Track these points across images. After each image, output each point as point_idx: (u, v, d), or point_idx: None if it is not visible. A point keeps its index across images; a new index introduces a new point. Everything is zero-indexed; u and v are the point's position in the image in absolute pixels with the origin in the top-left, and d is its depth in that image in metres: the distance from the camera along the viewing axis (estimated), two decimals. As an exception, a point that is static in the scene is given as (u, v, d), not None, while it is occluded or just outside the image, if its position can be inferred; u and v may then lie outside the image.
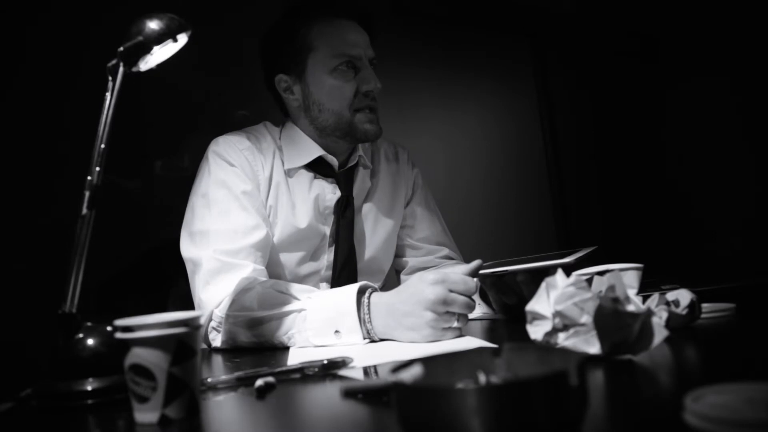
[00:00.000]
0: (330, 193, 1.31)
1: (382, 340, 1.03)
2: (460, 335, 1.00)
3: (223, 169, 1.23)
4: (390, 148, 1.50)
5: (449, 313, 0.98)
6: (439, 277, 0.99)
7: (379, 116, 1.31)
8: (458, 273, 1.01)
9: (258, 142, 1.29)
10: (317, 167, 1.31)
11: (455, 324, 0.98)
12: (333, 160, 1.32)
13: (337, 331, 1.02)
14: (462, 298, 0.98)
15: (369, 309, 1.03)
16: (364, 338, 1.02)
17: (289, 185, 1.29)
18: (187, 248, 1.20)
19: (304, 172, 1.31)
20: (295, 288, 1.11)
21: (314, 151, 1.30)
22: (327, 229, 1.31)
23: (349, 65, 1.26)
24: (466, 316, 1.00)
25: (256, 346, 1.10)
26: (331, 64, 1.26)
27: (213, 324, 1.13)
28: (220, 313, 1.11)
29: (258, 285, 1.12)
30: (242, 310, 1.09)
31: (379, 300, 1.03)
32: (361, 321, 1.02)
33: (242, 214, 1.20)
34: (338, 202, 1.31)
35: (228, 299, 1.11)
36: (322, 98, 1.27)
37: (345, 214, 1.31)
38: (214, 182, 1.22)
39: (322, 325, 1.03)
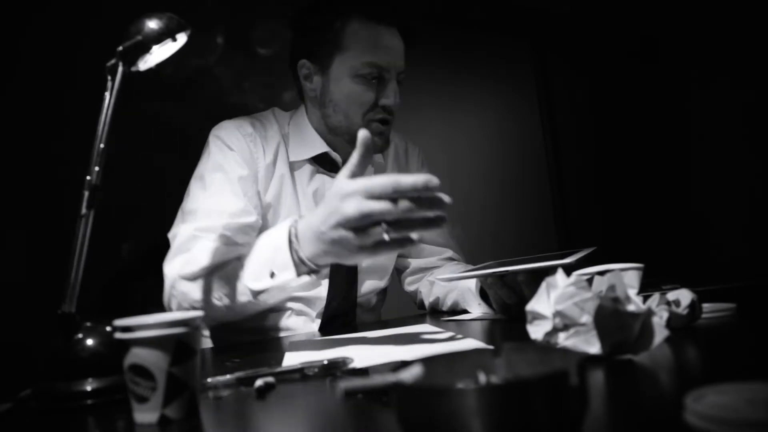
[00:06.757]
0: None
1: (323, 266, 0.94)
2: (413, 244, 0.84)
3: (222, 153, 1.22)
4: (401, 144, 1.49)
5: (376, 224, 0.81)
6: (353, 187, 0.82)
7: (391, 129, 1.28)
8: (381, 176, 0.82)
9: (263, 129, 1.28)
10: (321, 162, 1.30)
11: (385, 236, 0.80)
12: (337, 157, 1.31)
13: (272, 273, 0.95)
14: (384, 204, 0.80)
15: (298, 238, 0.93)
16: (299, 275, 0.93)
17: (294, 178, 1.28)
18: (174, 227, 1.18)
19: (307, 165, 1.30)
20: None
21: (319, 146, 1.29)
22: None
23: (374, 74, 1.22)
24: (407, 222, 0.82)
25: (218, 309, 1.07)
26: (356, 69, 1.21)
27: (172, 291, 1.11)
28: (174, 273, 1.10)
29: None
30: (193, 266, 1.08)
31: (305, 225, 0.92)
32: (293, 253, 0.92)
33: (232, 198, 1.18)
34: None
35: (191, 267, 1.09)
36: (340, 99, 1.24)
37: None
38: (211, 165, 1.21)
39: (258, 267, 0.98)
